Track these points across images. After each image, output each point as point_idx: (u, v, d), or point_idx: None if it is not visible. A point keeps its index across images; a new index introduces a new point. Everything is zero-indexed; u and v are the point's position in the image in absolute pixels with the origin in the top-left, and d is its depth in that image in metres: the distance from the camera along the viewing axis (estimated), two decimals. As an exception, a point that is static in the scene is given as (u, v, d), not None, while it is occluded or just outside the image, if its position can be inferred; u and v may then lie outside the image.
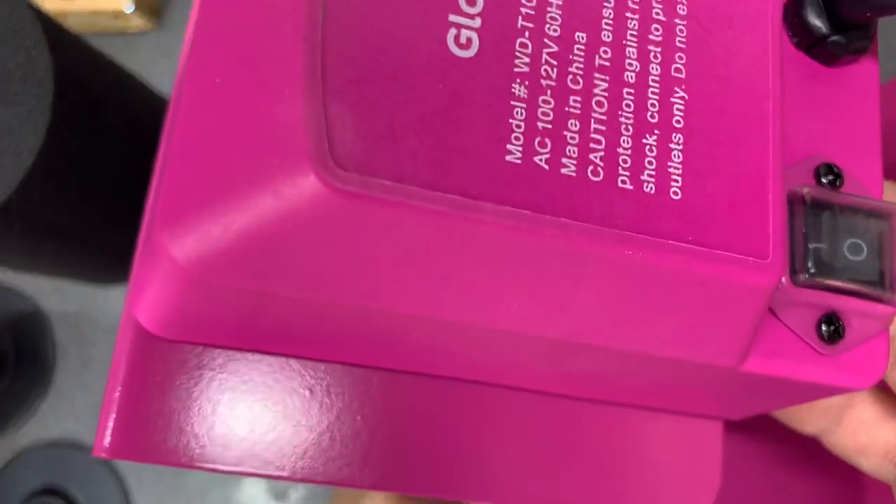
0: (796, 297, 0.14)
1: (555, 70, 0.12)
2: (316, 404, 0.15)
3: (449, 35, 0.11)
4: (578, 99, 0.12)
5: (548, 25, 0.12)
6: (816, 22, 0.14)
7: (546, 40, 0.12)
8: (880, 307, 0.14)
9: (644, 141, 0.12)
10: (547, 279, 0.12)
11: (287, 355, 0.14)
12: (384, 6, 0.11)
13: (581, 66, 0.12)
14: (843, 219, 0.14)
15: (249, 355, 0.14)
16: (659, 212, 0.12)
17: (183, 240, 0.11)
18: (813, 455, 0.24)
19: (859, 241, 0.14)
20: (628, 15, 0.13)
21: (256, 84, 0.11)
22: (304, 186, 0.10)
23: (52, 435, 0.36)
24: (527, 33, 0.12)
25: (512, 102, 0.11)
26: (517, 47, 0.12)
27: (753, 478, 0.26)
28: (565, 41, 0.12)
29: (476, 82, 0.11)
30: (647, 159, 0.12)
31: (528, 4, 0.12)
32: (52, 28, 0.25)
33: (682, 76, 0.13)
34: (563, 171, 0.11)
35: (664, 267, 0.12)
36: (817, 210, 0.14)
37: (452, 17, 0.11)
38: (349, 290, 0.12)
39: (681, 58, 0.13)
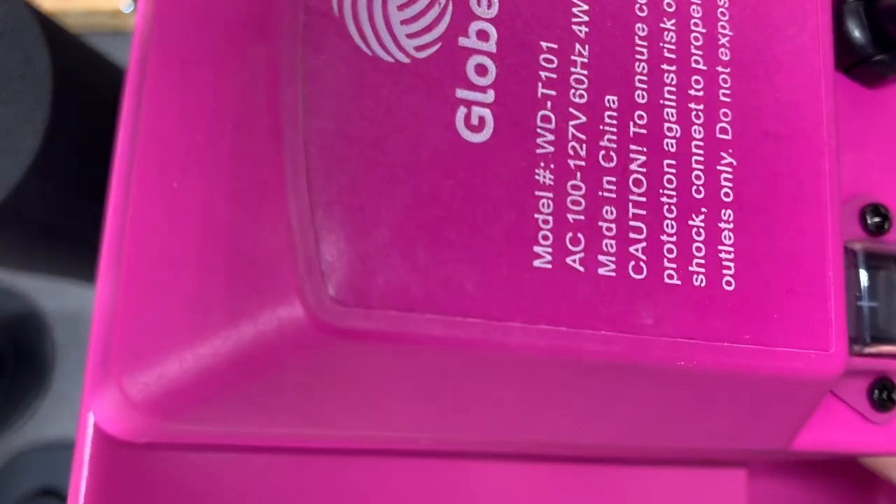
0: (849, 367, 0.12)
1: (584, 147, 0.10)
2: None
3: (458, 116, 0.09)
4: (613, 179, 0.10)
5: (573, 91, 0.10)
6: (859, 38, 0.13)
7: (572, 109, 0.10)
8: None
9: (691, 223, 0.10)
10: (585, 395, 0.10)
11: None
12: (377, 87, 0.09)
13: (614, 137, 0.10)
14: None
15: (226, 455, 0.12)
16: (711, 308, 0.10)
17: (143, 384, 0.09)
18: (829, 466, 0.24)
19: None
20: (664, 67, 0.11)
21: (225, 196, 0.09)
22: (294, 326, 0.08)
23: (51, 436, 0.36)
24: (549, 104, 0.10)
25: (537, 192, 0.09)
26: (538, 122, 0.10)
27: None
28: (594, 108, 0.10)
29: (493, 172, 0.09)
30: (695, 245, 0.10)
31: (549, 67, 0.10)
32: (50, 27, 0.25)
33: (729, 137, 0.11)
34: (601, 271, 0.10)
35: (719, 372, 0.10)
36: (871, 265, 0.12)
37: (460, 93, 0.09)
38: (346, 423, 0.10)
39: (726, 115, 0.11)
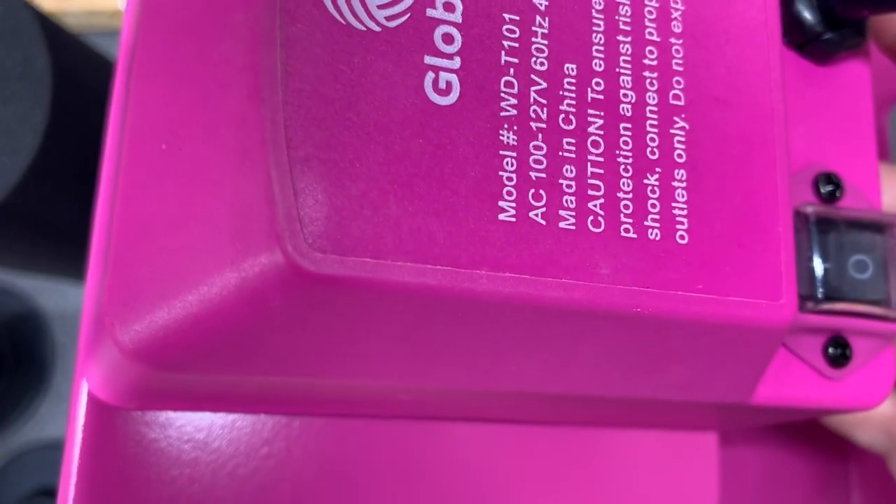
0: (803, 324, 0.13)
1: (545, 110, 0.11)
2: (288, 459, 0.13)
3: (426, 80, 0.10)
4: (573, 140, 0.11)
5: (534, 59, 0.11)
6: (809, 18, 0.14)
7: (533, 76, 0.11)
8: (886, 324, 0.14)
9: (646, 181, 0.11)
10: (549, 341, 0.11)
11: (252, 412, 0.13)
12: (350, 54, 0.10)
13: (573, 102, 0.11)
14: (849, 236, 0.13)
15: (212, 416, 0.13)
16: (666, 260, 0.11)
17: (135, 332, 0.10)
18: (800, 431, 0.24)
19: (865, 258, 0.13)
20: (620, 38, 0.11)
21: (210, 153, 0.09)
22: (275, 273, 0.09)
23: (50, 436, 0.36)
24: (512, 70, 0.10)
25: (501, 152, 0.10)
26: (502, 87, 0.10)
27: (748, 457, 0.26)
28: (554, 75, 0.11)
29: (460, 132, 0.10)
30: (649, 202, 0.11)
31: (511, 36, 0.11)
32: (50, 27, 0.25)
33: (682, 103, 0.12)
34: (562, 224, 0.10)
35: (674, 320, 0.11)
36: (822, 229, 0.13)
37: (428, 59, 0.10)
38: (326, 369, 0.10)
39: (678, 82, 0.12)
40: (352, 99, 0.09)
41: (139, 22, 0.11)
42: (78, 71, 0.26)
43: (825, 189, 0.14)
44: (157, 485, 0.13)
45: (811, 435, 0.24)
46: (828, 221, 0.13)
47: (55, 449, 0.35)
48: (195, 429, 0.13)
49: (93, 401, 0.12)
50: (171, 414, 0.13)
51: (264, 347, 0.10)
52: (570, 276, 0.10)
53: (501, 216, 0.10)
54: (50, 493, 0.35)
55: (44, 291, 0.36)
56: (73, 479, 0.12)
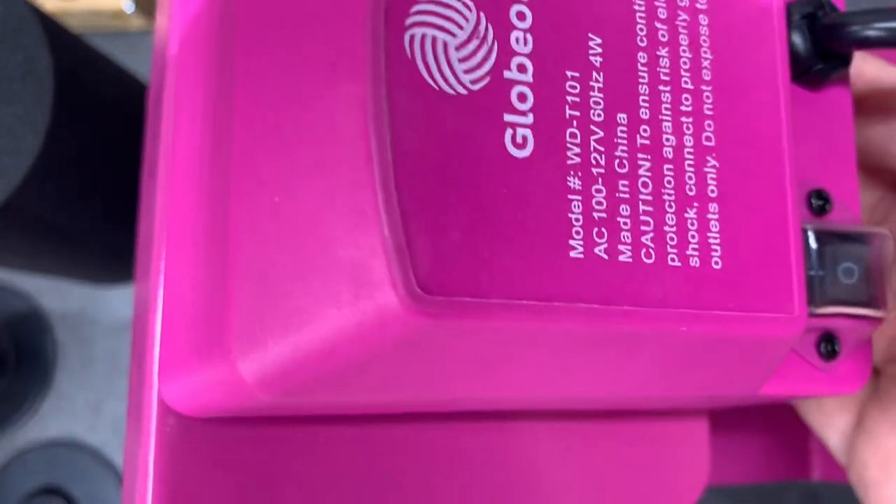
0: None
1: (603, 156, 0.12)
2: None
3: (507, 136, 0.11)
4: (626, 182, 0.12)
5: (592, 111, 0.12)
6: (803, 50, 0.15)
7: (592, 126, 0.12)
8: (869, 323, 0.15)
9: (686, 216, 0.13)
10: (608, 357, 0.12)
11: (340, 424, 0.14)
12: (444, 116, 0.11)
13: (625, 148, 0.12)
14: (841, 247, 0.15)
15: (301, 428, 0.14)
16: (704, 284, 0.12)
17: (259, 366, 0.11)
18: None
19: (852, 266, 0.15)
20: (661, 88, 0.13)
21: (325, 211, 0.10)
22: (391, 316, 0.10)
23: (52, 434, 0.36)
24: (575, 122, 0.12)
25: (569, 196, 0.11)
26: (567, 138, 0.12)
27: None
28: (609, 125, 0.12)
29: (535, 181, 0.11)
30: (689, 234, 0.12)
31: (573, 91, 0.12)
32: (51, 28, 0.25)
33: (713, 144, 0.13)
34: (621, 258, 0.12)
35: (711, 335, 0.13)
36: (820, 242, 0.14)
37: (507, 117, 0.11)
38: (425, 391, 0.12)
39: (709, 125, 0.13)
40: (447, 157, 0.11)
41: (240, 86, 0.12)
42: (80, 71, 0.26)
43: (816, 204, 0.15)
44: (236, 493, 0.13)
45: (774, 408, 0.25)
46: (823, 234, 0.15)
47: (57, 447, 0.35)
48: (282, 434, 0.14)
49: (173, 413, 0.13)
50: (256, 422, 0.14)
51: (371, 375, 0.11)
52: (630, 303, 0.12)
53: (572, 253, 0.11)
54: (51, 491, 0.35)
55: (46, 291, 0.36)
56: (150, 486, 0.13)
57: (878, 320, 0.15)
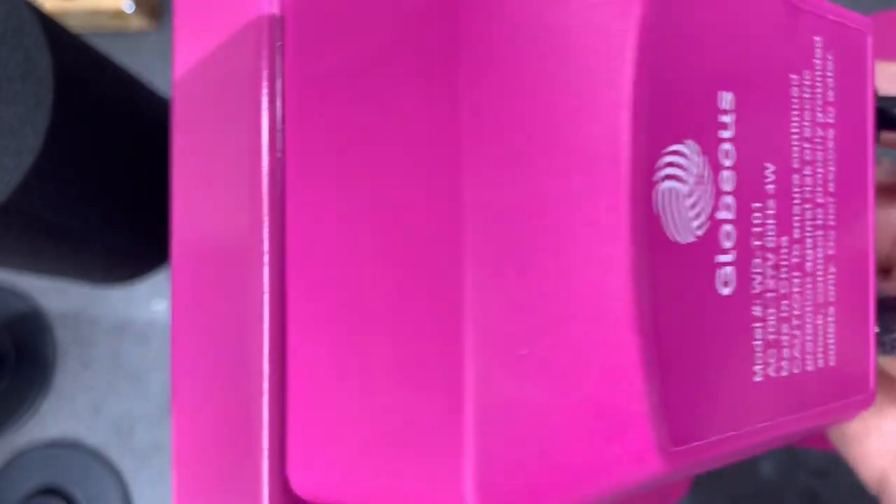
0: None
1: (772, 281, 0.12)
2: None
3: (717, 277, 0.11)
4: (787, 303, 0.13)
5: (767, 239, 0.12)
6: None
7: (767, 254, 0.12)
8: None
9: (818, 323, 0.13)
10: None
11: None
12: (682, 265, 0.11)
13: (786, 270, 0.13)
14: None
15: None
16: (827, 381, 0.13)
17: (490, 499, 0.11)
18: None
19: None
20: (805, 207, 0.13)
21: (581, 365, 0.10)
22: (647, 469, 0.10)
23: (52, 435, 0.36)
24: (757, 253, 0.12)
25: (753, 325, 0.12)
26: (752, 269, 0.12)
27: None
28: (777, 250, 0.13)
29: (735, 318, 0.12)
30: (819, 338, 0.13)
31: (757, 223, 0.12)
32: (52, 28, 0.25)
33: (833, 253, 0.14)
34: (783, 373, 0.12)
35: (823, 423, 0.14)
36: (886, 308, 0.15)
37: (718, 258, 0.11)
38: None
39: (832, 235, 0.14)
40: (684, 309, 0.11)
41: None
42: (80, 71, 0.26)
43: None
44: None
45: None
46: (891, 304, 0.16)
47: (56, 447, 0.35)
48: None
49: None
50: None
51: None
52: (788, 413, 0.12)
53: (755, 378, 0.12)
54: (51, 491, 0.35)
55: (46, 291, 0.36)
56: None
57: None
